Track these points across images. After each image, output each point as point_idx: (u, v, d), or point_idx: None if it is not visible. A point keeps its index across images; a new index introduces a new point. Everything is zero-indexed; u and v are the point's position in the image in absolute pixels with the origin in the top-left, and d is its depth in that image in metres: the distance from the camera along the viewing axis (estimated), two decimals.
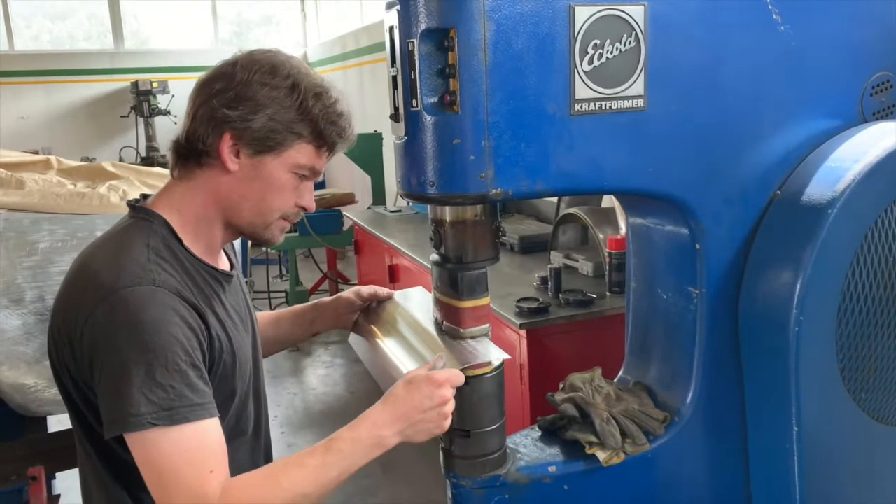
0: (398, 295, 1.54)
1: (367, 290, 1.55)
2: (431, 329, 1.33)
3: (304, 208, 1.25)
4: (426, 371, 1.18)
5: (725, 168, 1.27)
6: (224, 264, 1.31)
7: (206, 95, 1.16)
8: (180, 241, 1.19)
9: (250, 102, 1.15)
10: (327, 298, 1.58)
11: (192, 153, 1.18)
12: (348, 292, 1.56)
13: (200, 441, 1.07)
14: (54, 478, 2.77)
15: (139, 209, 1.22)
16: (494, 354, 1.25)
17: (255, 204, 1.21)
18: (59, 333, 1.14)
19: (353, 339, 1.60)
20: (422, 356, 1.29)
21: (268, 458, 1.40)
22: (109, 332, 1.06)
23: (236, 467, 1.13)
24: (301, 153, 1.20)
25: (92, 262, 1.15)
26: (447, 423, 1.17)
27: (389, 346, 1.40)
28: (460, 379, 1.18)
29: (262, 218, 1.23)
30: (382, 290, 1.55)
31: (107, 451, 1.17)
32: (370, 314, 1.54)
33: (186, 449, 1.06)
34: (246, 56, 1.19)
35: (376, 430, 1.14)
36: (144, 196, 1.27)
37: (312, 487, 1.10)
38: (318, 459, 1.11)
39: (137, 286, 1.08)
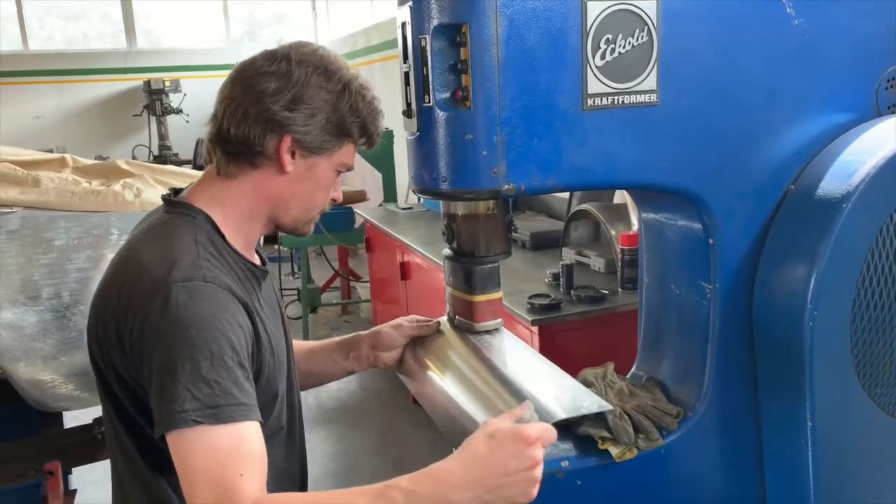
0: (445, 323, 1.36)
1: (409, 325, 1.41)
2: (501, 367, 1.18)
3: (333, 200, 1.28)
4: (511, 423, 1.01)
5: (739, 162, 1.27)
6: (257, 260, 1.29)
7: (258, 94, 1.13)
8: (222, 237, 1.18)
9: (308, 106, 1.14)
10: (364, 332, 1.46)
11: (243, 152, 1.16)
12: (387, 326, 1.43)
13: (237, 443, 1.01)
14: (71, 473, 2.80)
15: (177, 203, 1.20)
16: (589, 403, 1.16)
17: (305, 202, 1.22)
18: (105, 330, 1.12)
19: (405, 377, 1.40)
20: (489, 399, 1.14)
21: (302, 454, 1.37)
22: (161, 327, 1.04)
23: (272, 465, 1.09)
24: (347, 152, 1.22)
25: (139, 258, 1.12)
26: (535, 491, 0.97)
27: (452, 389, 1.23)
28: (553, 436, 1.00)
29: (308, 214, 1.25)
30: (428, 323, 1.39)
31: (151, 449, 1.13)
32: (417, 349, 1.41)
33: (220, 447, 1.00)
34: (295, 53, 1.16)
35: (443, 491, 0.96)
36: (175, 191, 1.25)
37: None
38: (366, 503, 0.97)
39: (190, 281, 1.06)
